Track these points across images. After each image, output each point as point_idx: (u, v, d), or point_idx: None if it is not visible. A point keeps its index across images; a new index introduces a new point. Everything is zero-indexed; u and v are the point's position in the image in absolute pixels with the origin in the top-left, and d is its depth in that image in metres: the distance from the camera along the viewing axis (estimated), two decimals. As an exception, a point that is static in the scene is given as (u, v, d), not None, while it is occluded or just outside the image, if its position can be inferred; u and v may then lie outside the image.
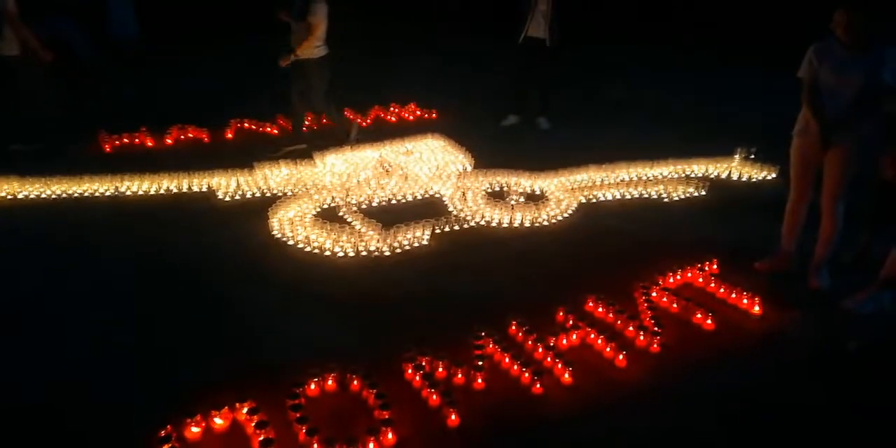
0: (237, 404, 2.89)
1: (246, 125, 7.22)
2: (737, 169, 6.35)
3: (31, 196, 5.24)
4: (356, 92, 8.79)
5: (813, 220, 4.25)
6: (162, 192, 5.47)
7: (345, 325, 3.69)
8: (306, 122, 6.89)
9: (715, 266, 4.32)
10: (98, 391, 3.07)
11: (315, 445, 2.71)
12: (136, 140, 6.61)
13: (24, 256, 4.36)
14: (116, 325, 3.62)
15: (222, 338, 3.54)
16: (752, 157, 6.55)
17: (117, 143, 6.53)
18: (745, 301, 3.90)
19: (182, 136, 6.75)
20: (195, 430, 2.78)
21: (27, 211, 5.05)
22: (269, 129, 7.21)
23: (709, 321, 3.69)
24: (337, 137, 6.67)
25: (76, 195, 5.30)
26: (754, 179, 6.20)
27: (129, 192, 5.40)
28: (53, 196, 5.26)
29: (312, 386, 3.06)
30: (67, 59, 9.55)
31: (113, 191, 5.39)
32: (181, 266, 4.28)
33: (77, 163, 5.83)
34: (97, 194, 5.34)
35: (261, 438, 2.69)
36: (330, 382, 3.10)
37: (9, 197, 5.21)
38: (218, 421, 2.83)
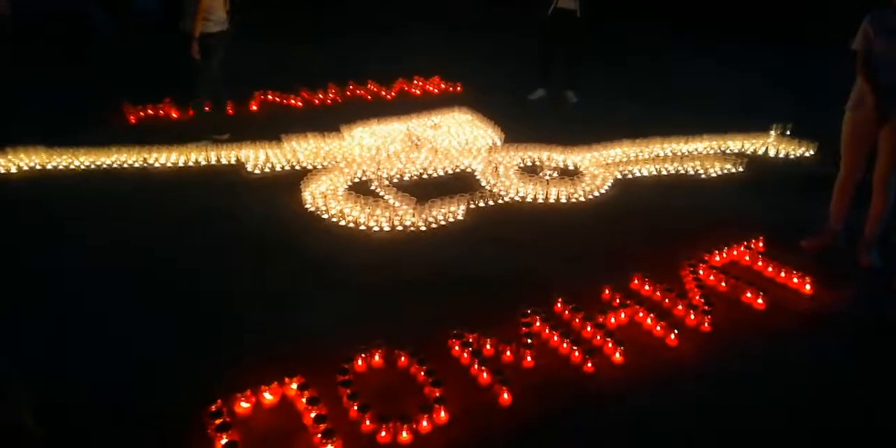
0: (286, 379, 2.84)
1: (270, 97, 7.10)
2: (773, 145, 6.20)
3: (60, 167, 5.17)
4: (378, 65, 8.64)
5: (861, 197, 4.14)
6: (190, 164, 5.39)
7: (387, 300, 3.63)
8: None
9: (761, 244, 4.21)
10: (142, 365, 3.03)
11: (367, 422, 2.67)
12: (161, 111, 6.51)
13: (52, 228, 4.29)
14: (153, 298, 3.56)
15: (263, 313, 3.48)
16: (788, 133, 6.39)
17: (142, 114, 6.43)
18: (794, 280, 3.81)
19: (206, 108, 6.62)
20: (245, 405, 2.74)
21: (55, 181, 4.98)
22: (293, 102, 7.08)
23: (759, 301, 3.60)
24: (198, 130, 5.82)
25: (105, 166, 5.23)
26: (792, 156, 6.05)
27: (157, 164, 5.32)
28: (82, 167, 5.19)
29: (360, 362, 3.00)
30: (86, 31, 9.46)
31: (141, 162, 5.32)
32: (215, 240, 4.21)
33: (103, 134, 5.75)
34: (125, 166, 5.27)
35: (313, 414, 2.64)
36: (377, 358, 3.05)
37: (38, 168, 5.14)
38: (267, 396, 2.79)
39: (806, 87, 8.06)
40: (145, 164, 5.30)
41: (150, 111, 6.47)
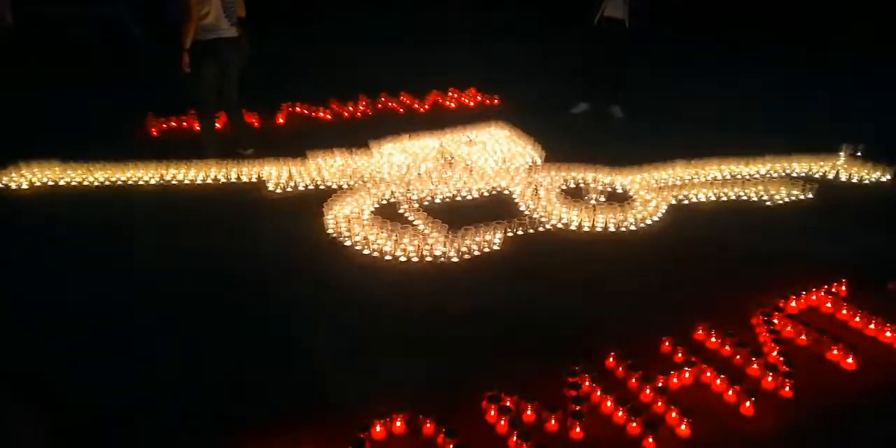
0: (292, 450, 2.43)
1: (298, 110, 6.77)
2: (843, 168, 5.60)
3: (73, 183, 4.89)
4: (412, 75, 8.28)
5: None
6: (209, 180, 5.06)
7: (412, 347, 3.20)
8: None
9: (843, 287, 3.66)
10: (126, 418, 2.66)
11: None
12: (184, 124, 6.22)
13: (59, 250, 3.99)
14: (153, 335, 3.21)
15: (268, 361, 3.08)
16: (860, 154, 5.79)
17: (164, 126, 6.15)
18: (888, 333, 3.25)
19: (217, 123, 6.29)
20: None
21: (68, 198, 4.69)
22: (322, 114, 6.74)
23: (849, 359, 3.06)
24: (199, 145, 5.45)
25: (119, 183, 4.93)
26: (866, 181, 5.45)
27: (174, 181, 5.00)
28: (96, 183, 4.90)
29: (378, 428, 2.57)
30: (123, 41, 9.27)
31: (158, 179, 5.01)
32: (225, 269, 3.85)
33: (122, 147, 5.47)
34: (141, 182, 4.96)
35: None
36: (398, 424, 2.61)
37: (49, 183, 4.87)
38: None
39: (873, 104, 7.44)
40: (162, 181, 4.99)
41: (172, 123, 6.19)
